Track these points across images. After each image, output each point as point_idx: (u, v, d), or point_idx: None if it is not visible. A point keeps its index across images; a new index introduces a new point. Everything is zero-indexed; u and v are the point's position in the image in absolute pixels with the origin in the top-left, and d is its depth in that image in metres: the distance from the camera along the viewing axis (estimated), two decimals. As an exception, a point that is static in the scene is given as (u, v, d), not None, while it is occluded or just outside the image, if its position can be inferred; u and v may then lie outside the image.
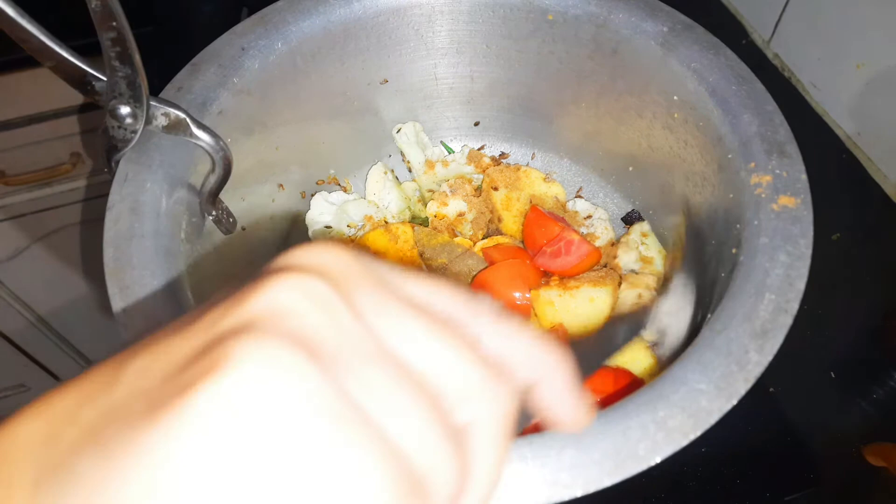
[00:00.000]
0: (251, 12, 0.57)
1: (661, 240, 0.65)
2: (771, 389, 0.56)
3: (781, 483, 0.53)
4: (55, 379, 1.34)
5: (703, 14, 0.56)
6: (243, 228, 0.58)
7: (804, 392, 0.57)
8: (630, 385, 0.51)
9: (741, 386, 0.36)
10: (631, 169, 0.66)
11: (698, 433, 0.35)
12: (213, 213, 0.53)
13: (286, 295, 0.18)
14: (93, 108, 0.87)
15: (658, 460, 0.34)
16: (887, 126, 0.68)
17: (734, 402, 0.36)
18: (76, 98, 0.85)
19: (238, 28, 0.56)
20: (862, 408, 0.57)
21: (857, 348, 0.62)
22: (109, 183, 0.48)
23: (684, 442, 0.35)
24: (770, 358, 0.37)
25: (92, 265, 1.10)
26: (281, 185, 0.65)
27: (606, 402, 0.37)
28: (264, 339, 0.16)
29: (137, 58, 0.43)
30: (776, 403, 0.56)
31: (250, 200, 0.60)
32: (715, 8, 0.87)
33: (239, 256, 0.60)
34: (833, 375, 0.58)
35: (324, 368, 0.16)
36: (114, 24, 0.41)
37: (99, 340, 1.30)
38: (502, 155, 0.73)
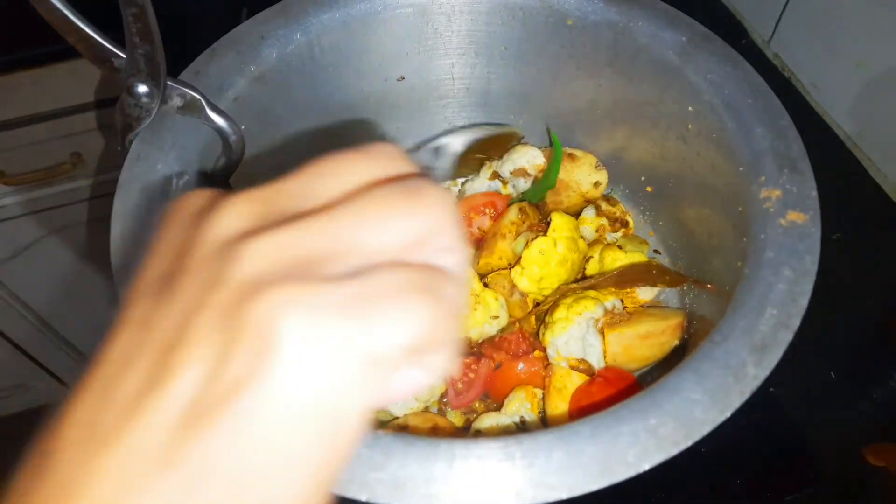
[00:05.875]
0: (251, 12, 0.57)
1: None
2: (771, 389, 0.56)
3: (781, 483, 0.52)
4: (55, 379, 1.32)
5: (702, 14, 0.56)
6: (252, 215, 0.59)
7: (804, 392, 0.57)
8: (628, 388, 0.50)
9: (736, 399, 0.36)
10: (643, 178, 0.65)
11: (689, 443, 0.34)
12: (223, 197, 0.53)
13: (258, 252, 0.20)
14: (92, 108, 0.85)
15: (646, 468, 0.34)
16: (887, 126, 0.68)
17: (728, 414, 0.35)
18: (76, 98, 0.84)
19: (259, 16, 0.57)
20: (862, 408, 0.56)
21: (857, 349, 0.61)
22: (122, 162, 0.49)
23: (675, 451, 0.34)
24: (767, 372, 0.37)
25: (92, 265, 1.08)
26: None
27: (602, 405, 0.37)
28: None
29: (158, 35, 0.44)
30: (776, 403, 0.56)
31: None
32: (715, 8, 0.86)
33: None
34: (833, 375, 0.57)
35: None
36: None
37: (99, 340, 1.29)
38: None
